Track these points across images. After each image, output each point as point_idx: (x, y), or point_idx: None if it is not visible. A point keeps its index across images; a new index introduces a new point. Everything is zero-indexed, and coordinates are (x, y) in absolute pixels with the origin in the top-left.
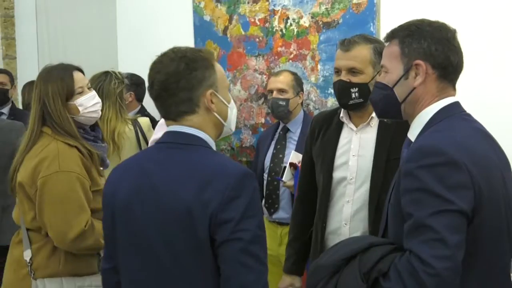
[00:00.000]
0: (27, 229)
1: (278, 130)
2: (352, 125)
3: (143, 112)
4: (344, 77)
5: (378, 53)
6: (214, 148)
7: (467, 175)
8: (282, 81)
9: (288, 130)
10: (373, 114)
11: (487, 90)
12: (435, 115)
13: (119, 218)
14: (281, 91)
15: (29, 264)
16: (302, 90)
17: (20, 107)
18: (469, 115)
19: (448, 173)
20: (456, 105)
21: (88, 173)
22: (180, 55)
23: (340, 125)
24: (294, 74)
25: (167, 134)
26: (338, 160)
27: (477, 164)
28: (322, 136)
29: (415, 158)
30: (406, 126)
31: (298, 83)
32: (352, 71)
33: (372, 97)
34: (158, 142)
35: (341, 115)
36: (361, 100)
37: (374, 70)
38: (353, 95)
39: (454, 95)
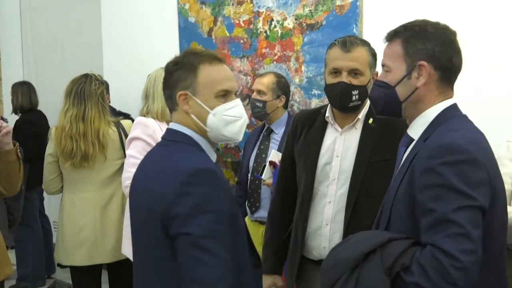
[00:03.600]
0: None
1: (263, 131)
2: (337, 126)
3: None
4: (345, 78)
5: (372, 55)
6: (203, 144)
7: (486, 173)
8: (263, 82)
9: (272, 131)
10: (360, 116)
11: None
12: (439, 115)
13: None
14: (260, 92)
15: None
16: (286, 93)
17: (10, 108)
18: (466, 116)
19: (470, 170)
20: (456, 107)
21: None
22: (181, 55)
23: (325, 124)
24: (278, 76)
25: (166, 129)
26: (321, 160)
27: (490, 162)
28: (306, 134)
29: (437, 155)
30: (391, 131)
31: (280, 86)
32: (354, 72)
33: (372, 95)
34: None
35: (326, 114)
36: (359, 103)
37: (371, 72)
38: (354, 97)
39: (452, 96)
